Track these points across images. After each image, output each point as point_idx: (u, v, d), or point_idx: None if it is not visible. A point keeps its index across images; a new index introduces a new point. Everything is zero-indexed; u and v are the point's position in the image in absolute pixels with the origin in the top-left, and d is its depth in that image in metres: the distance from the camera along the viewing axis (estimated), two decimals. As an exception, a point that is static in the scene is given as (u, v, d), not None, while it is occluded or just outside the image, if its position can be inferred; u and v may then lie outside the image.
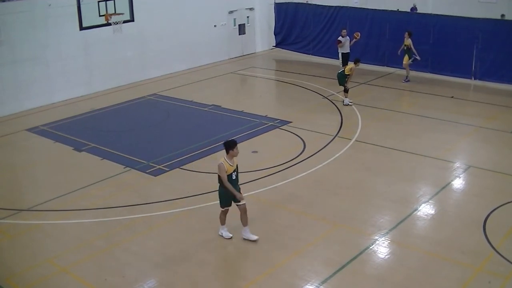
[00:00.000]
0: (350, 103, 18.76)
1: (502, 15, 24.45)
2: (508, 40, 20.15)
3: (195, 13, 24.83)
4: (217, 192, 10.52)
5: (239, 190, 10.40)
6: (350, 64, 18.82)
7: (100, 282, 9.59)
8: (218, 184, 10.38)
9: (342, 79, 18.68)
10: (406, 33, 20.91)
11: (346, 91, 18.77)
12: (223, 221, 10.79)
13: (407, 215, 11.48)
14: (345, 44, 21.86)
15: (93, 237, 11.11)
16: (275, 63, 26.77)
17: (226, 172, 10.14)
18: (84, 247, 10.76)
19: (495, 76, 20.62)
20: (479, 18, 20.72)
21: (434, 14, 22.71)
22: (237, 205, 10.42)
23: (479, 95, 20.18)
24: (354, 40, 21.74)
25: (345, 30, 22.08)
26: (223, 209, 10.62)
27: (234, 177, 10.30)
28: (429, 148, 14.86)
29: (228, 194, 10.30)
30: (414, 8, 26.87)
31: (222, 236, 10.78)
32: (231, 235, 10.73)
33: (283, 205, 11.49)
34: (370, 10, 23.79)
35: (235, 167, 10.29)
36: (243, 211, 10.43)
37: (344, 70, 18.73)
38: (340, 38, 21.92)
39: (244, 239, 10.61)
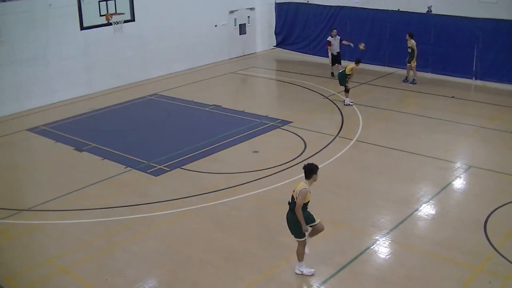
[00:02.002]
0: (351, 103, 18.75)
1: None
2: (509, 40, 20.12)
3: (196, 13, 24.82)
4: (217, 193, 10.33)
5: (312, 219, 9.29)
6: (351, 64, 18.80)
7: (100, 282, 9.59)
8: (291, 212, 9.19)
9: (343, 79, 18.67)
10: (407, 34, 20.84)
11: (347, 91, 18.76)
12: (301, 256, 9.40)
13: (408, 215, 11.47)
14: (335, 44, 22.20)
15: (93, 237, 11.11)
16: (276, 63, 26.76)
17: (305, 199, 8.99)
18: (84, 247, 10.75)
19: (495, 76, 20.60)
20: (479, 18, 20.69)
21: (434, 14, 22.70)
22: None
23: (479, 95, 20.17)
24: (347, 43, 21.99)
25: (335, 30, 22.35)
26: (302, 240, 9.23)
27: (307, 205, 9.22)
28: (430, 148, 14.85)
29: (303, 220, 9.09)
30: (429, 10, 26.63)
31: (302, 274, 9.46)
32: (313, 270, 9.54)
33: (283, 205, 11.42)
34: (370, 10, 23.76)
35: (311, 194, 9.18)
36: (302, 245, 9.34)
37: (345, 70, 18.72)
38: (329, 38, 22.30)
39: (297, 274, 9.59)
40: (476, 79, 21.24)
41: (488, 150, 15.05)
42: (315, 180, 9.22)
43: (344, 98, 18.91)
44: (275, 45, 27.92)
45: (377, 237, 10.64)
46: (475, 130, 16.26)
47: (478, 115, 17.65)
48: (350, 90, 18.90)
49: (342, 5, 24.74)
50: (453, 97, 19.58)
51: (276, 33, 27.47)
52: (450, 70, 21.54)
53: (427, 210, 11.71)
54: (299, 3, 26.37)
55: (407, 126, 16.91)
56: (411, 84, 21.08)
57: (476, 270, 9.53)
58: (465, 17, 21.01)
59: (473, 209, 11.64)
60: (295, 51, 26.88)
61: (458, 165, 13.90)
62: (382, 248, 10.31)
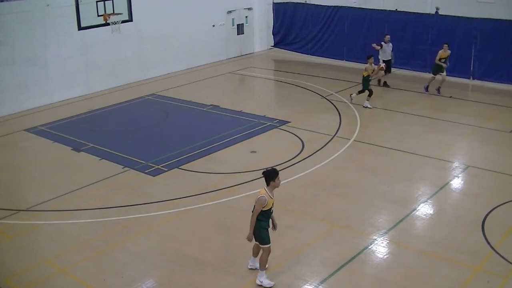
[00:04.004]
0: (369, 106, 18.45)
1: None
2: (507, 40, 20.17)
3: (194, 13, 24.81)
4: (215, 193, 10.31)
5: (274, 225, 9.33)
6: (366, 66, 18.51)
7: (99, 282, 9.58)
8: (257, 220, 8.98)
9: (366, 83, 18.43)
10: (446, 45, 19.65)
11: (369, 94, 18.47)
12: (264, 265, 9.21)
13: (406, 215, 11.49)
14: (387, 51, 20.87)
15: (92, 237, 11.11)
16: (274, 63, 26.76)
17: (265, 206, 8.80)
18: (83, 247, 10.75)
19: (493, 76, 20.64)
20: (477, 18, 20.73)
21: (432, 14, 22.74)
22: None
23: (478, 95, 20.19)
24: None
25: (388, 36, 20.96)
26: (266, 247, 9.11)
27: (272, 211, 9.07)
28: (428, 148, 14.87)
29: (267, 227, 9.09)
30: (437, 11, 26.60)
31: (261, 285, 9.20)
32: (273, 283, 9.24)
33: (281, 206, 11.47)
34: (368, 10, 23.80)
35: (274, 199, 8.98)
36: (267, 252, 9.19)
37: (363, 75, 18.41)
38: (382, 43, 20.88)
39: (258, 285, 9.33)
40: (474, 79, 21.28)
41: (487, 150, 15.07)
42: (277, 186, 8.93)
43: (365, 101, 18.55)
44: (273, 45, 27.92)
45: (375, 237, 10.65)
46: (474, 130, 16.29)
47: (476, 115, 17.68)
48: (360, 93, 18.68)
49: (340, 5, 24.77)
50: (451, 96, 19.61)
51: (274, 33, 27.47)
52: (448, 70, 21.53)
53: (425, 210, 11.73)
54: (297, 3, 26.36)
55: (405, 126, 16.92)
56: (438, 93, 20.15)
57: (475, 270, 9.55)
58: (463, 17, 21.05)
59: (471, 209, 11.66)
60: (293, 51, 26.87)
61: (456, 165, 13.92)
62: (380, 248, 10.33)
